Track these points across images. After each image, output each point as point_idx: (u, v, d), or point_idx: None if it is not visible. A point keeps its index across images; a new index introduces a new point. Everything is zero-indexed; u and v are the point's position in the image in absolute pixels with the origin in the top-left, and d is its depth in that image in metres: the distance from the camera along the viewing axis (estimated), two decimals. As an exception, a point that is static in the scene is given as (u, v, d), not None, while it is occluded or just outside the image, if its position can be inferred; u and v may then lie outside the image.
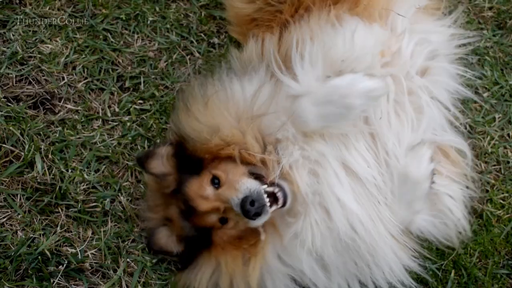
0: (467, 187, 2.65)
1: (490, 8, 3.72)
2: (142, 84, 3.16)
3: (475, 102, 3.30)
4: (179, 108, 2.53)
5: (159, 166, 2.52)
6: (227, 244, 2.43)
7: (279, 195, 2.31)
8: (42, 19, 3.28)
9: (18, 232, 2.60)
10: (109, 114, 3.02)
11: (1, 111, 2.87)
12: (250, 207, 2.20)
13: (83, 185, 2.76)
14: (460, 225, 2.60)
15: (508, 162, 3.11)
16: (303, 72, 2.41)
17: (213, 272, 2.46)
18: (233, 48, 2.99)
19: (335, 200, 2.35)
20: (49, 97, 3.01)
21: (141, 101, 3.10)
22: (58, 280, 2.51)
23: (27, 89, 3.02)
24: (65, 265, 2.53)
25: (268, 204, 2.26)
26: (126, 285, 2.58)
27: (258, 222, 2.29)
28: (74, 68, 3.15)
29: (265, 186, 2.30)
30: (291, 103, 2.38)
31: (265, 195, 2.26)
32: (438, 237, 2.61)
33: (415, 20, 2.76)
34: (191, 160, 2.42)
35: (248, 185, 2.27)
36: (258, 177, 2.34)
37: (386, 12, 2.69)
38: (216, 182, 2.36)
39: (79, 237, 2.65)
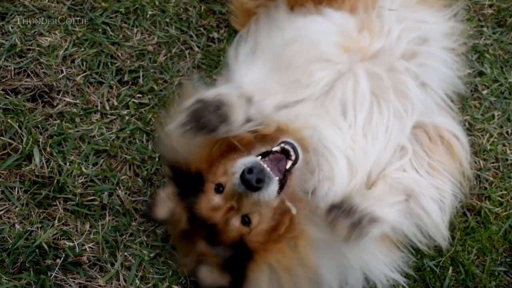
0: (459, 188, 2.56)
1: (490, 6, 3.72)
2: (141, 78, 3.15)
3: (474, 99, 3.30)
4: (162, 136, 2.51)
5: (164, 209, 2.46)
6: (267, 243, 2.33)
7: (287, 147, 2.27)
8: (41, 11, 3.27)
9: (16, 225, 2.59)
10: (107, 108, 3.01)
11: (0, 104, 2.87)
12: (249, 176, 2.12)
13: (81, 179, 2.75)
14: (438, 231, 2.49)
15: (507, 160, 3.11)
16: (241, 66, 2.51)
17: (270, 277, 2.33)
18: (229, 46, 3.00)
19: (333, 149, 2.34)
20: (47, 90, 3.00)
21: (140, 95, 3.10)
22: (56, 273, 2.49)
23: (25, 81, 3.01)
24: (62, 258, 2.52)
25: (269, 168, 2.19)
26: (124, 279, 2.57)
27: (268, 192, 2.19)
28: (73, 61, 3.14)
29: (260, 157, 2.25)
30: None
31: (263, 163, 2.20)
32: (415, 238, 2.50)
33: (410, 9, 2.74)
34: (191, 180, 2.37)
35: (241, 161, 2.22)
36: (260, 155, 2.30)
37: (372, 3, 2.69)
38: (220, 189, 2.32)
39: (76, 231, 2.64)
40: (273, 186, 2.21)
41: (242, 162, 2.21)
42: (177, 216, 2.44)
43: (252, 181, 2.13)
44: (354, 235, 2.15)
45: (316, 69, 2.45)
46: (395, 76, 2.52)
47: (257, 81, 2.43)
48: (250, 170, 2.14)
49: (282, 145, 2.29)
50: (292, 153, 2.29)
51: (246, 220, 2.31)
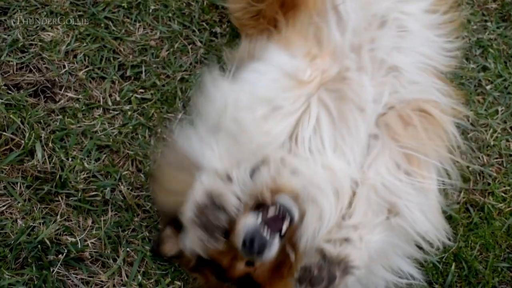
0: (450, 172, 2.37)
1: (495, 0, 3.70)
2: (143, 73, 3.14)
3: (478, 94, 3.29)
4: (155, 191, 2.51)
5: (173, 247, 2.46)
6: (272, 279, 2.31)
7: (281, 210, 2.17)
8: (43, 6, 3.26)
9: (18, 220, 2.59)
10: (110, 103, 3.00)
11: (2, 99, 2.85)
12: (252, 248, 2.11)
13: (84, 174, 2.75)
14: (430, 237, 2.34)
15: (510, 155, 3.10)
16: (202, 148, 2.34)
17: None
18: (225, 48, 2.99)
19: (318, 187, 2.25)
20: (50, 85, 3.00)
21: (142, 90, 3.09)
22: (58, 269, 2.50)
23: (27, 77, 3.00)
24: (64, 254, 2.53)
25: (268, 235, 2.14)
26: (126, 275, 2.57)
27: (269, 254, 2.16)
28: (75, 56, 3.13)
29: (260, 220, 2.18)
30: None
31: (264, 226, 2.14)
32: (407, 251, 2.40)
33: None
34: None
35: (243, 224, 2.17)
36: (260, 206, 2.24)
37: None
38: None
39: (79, 226, 2.65)
40: (274, 247, 2.16)
41: (244, 228, 2.16)
42: (186, 257, 2.41)
43: (254, 250, 2.12)
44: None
45: (272, 125, 2.28)
46: (347, 75, 2.37)
47: (225, 157, 2.28)
48: (252, 241, 2.12)
49: (278, 205, 2.19)
50: (286, 216, 2.18)
51: (250, 263, 2.29)
